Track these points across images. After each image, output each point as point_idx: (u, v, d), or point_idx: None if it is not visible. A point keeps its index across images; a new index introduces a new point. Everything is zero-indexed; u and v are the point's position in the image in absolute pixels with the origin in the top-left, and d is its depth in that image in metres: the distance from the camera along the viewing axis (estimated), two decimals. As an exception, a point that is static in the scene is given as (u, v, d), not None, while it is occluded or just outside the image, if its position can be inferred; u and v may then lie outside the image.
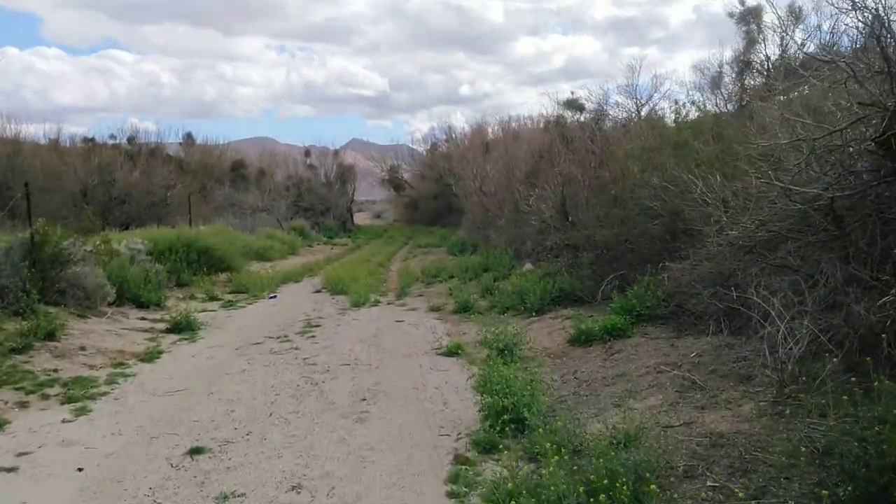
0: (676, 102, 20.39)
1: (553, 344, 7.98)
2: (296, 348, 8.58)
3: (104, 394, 6.54)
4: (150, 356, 8.18)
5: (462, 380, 6.81)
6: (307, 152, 49.27)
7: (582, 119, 19.58)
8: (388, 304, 12.66)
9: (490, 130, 36.69)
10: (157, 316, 10.71)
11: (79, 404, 6.17)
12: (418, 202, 48.87)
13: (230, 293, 14.67)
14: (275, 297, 14.06)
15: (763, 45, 17.21)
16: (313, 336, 9.36)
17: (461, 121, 50.22)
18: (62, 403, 6.19)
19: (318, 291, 14.65)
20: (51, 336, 8.12)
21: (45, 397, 6.31)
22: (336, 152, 49.51)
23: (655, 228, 9.14)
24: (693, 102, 15.40)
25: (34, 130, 33.00)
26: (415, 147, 52.44)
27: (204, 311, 12.24)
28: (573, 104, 19.26)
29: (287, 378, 7.10)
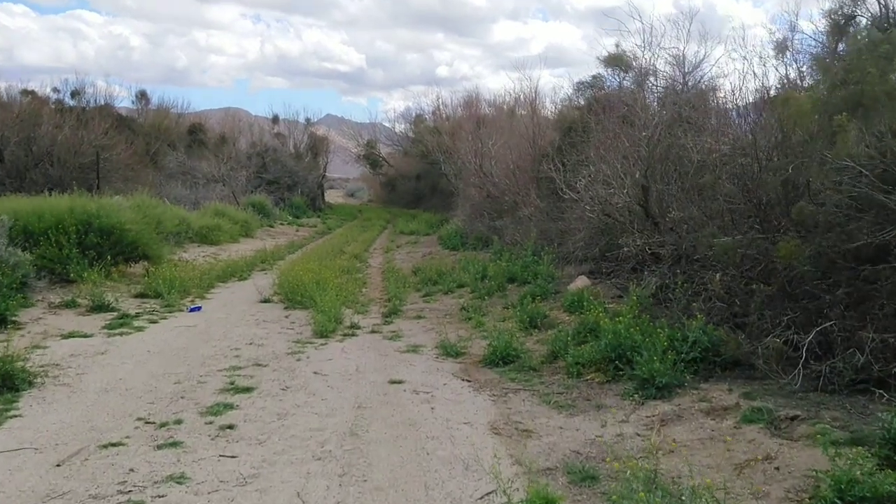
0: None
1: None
2: (175, 481, 3.95)
3: None
4: None
5: None
6: (275, 118, 43.97)
7: (626, 82, 15.20)
8: (372, 331, 8.09)
9: (485, 104, 31.90)
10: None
11: None
12: (397, 181, 44.15)
13: (135, 297, 9.95)
14: (198, 308, 9.37)
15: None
16: (229, 428, 4.73)
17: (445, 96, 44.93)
18: None
19: (266, 301, 9.99)
20: None
21: None
22: (308, 120, 44.34)
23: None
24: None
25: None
26: (390, 126, 47.38)
27: (73, 335, 7.55)
28: (617, 60, 14.93)
29: None
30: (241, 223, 19.78)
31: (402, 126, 45.31)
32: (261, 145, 38.07)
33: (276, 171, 35.42)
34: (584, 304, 7.60)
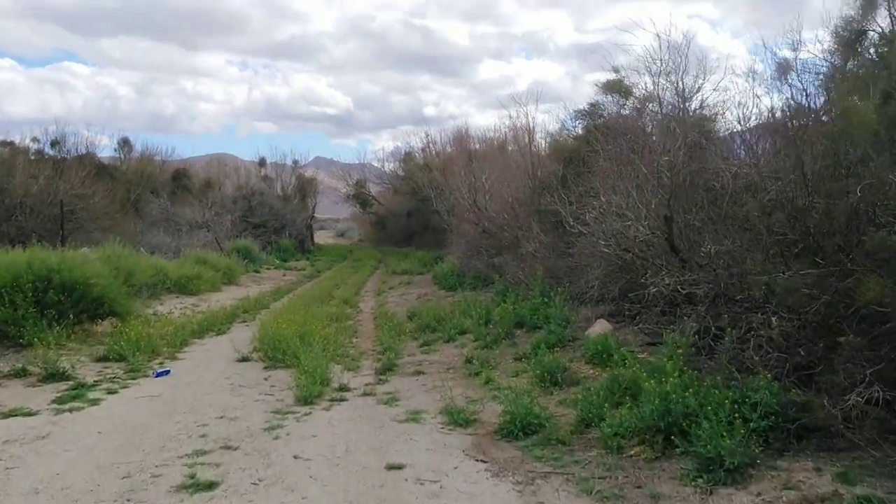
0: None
1: None
2: None
3: None
4: None
5: None
6: (262, 161, 43.17)
7: (625, 110, 14.46)
8: (364, 394, 6.98)
9: (474, 140, 31.18)
10: None
11: None
12: (387, 220, 43.29)
13: (97, 361, 8.81)
14: (166, 372, 8.23)
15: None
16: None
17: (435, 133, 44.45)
18: None
19: (244, 359, 8.86)
20: None
21: None
22: (296, 162, 43.59)
23: None
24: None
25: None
26: (379, 166, 46.74)
27: (14, 413, 6.42)
28: (616, 87, 14.21)
29: None
30: (223, 270, 18.68)
31: (392, 165, 44.68)
32: (247, 188, 37.18)
33: (262, 215, 34.46)
34: (611, 354, 6.56)
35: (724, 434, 4.11)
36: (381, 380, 7.53)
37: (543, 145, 17.27)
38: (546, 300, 9.21)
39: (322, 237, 53.14)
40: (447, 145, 35.06)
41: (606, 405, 5.35)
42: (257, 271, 23.05)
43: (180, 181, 37.11)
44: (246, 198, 35.47)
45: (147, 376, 8.11)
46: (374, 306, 14.83)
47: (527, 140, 15.99)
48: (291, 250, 32.24)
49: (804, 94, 9.86)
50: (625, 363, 6.36)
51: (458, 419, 5.78)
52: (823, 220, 5.22)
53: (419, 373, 7.80)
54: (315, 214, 45.26)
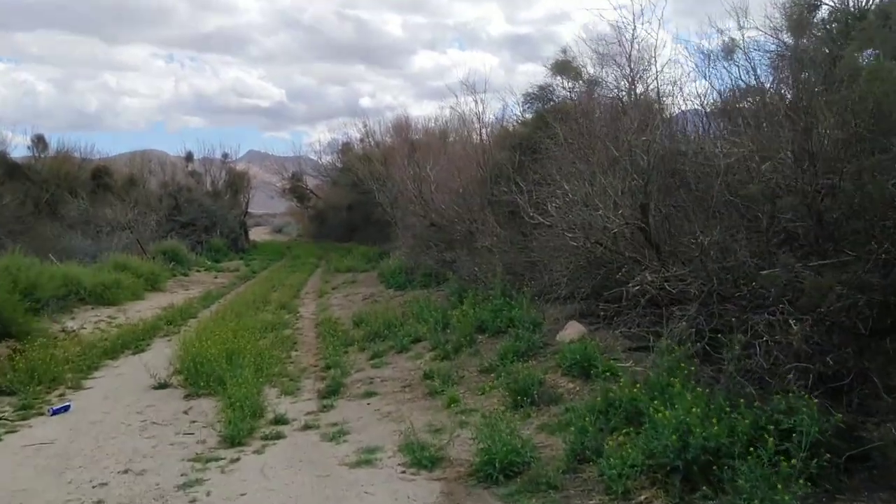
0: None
1: None
2: None
3: None
4: None
5: None
6: (189, 156, 40.61)
7: (574, 92, 13.67)
8: (305, 427, 5.85)
9: (415, 130, 29.96)
10: None
11: None
12: (327, 214, 41.60)
13: (-21, 397, 7.32)
14: (66, 408, 6.84)
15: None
16: None
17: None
18: None
19: (162, 386, 7.53)
20: None
21: None
22: (226, 156, 41.22)
23: None
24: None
25: None
26: (316, 158, 44.80)
27: None
28: (565, 67, 13.36)
29: None
30: (145, 276, 16.95)
31: (330, 157, 42.86)
32: (173, 185, 34.80)
33: (191, 213, 32.28)
34: (593, 364, 5.68)
35: (771, 478, 3.23)
36: (325, 406, 6.41)
37: (488, 134, 16.36)
38: (508, 300, 8.27)
39: (258, 233, 50.84)
40: (387, 135, 33.78)
41: (599, 432, 4.44)
42: (185, 274, 21.28)
43: (101, 179, 34.39)
44: (172, 195, 33.18)
45: (42, 414, 6.72)
46: (316, 310, 13.60)
47: (477, 126, 15.03)
48: (224, 250, 30.35)
49: (753, 72, 9.32)
50: (610, 375, 5.48)
51: (421, 458, 4.74)
52: (843, 204, 4.44)
53: (370, 394, 6.72)
54: (249, 210, 43.13)
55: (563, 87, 13.35)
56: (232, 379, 6.86)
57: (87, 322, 12.32)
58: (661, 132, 6.63)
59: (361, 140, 37.65)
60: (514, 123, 14.30)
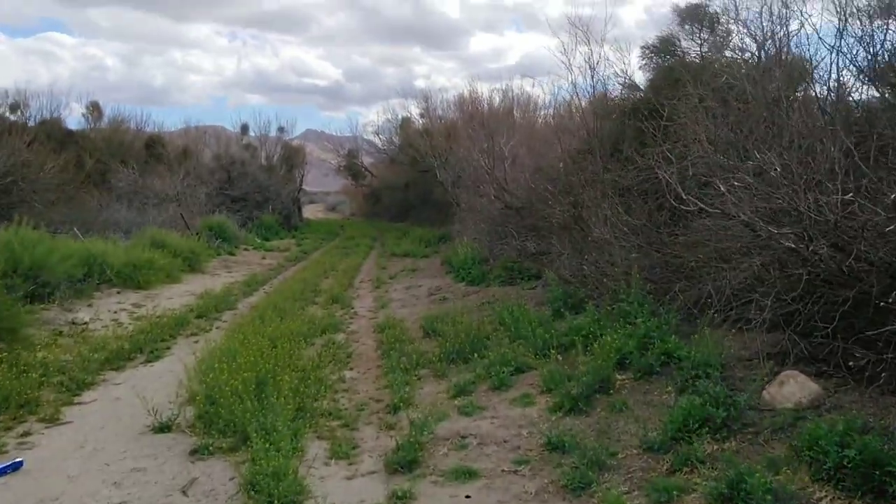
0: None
1: None
2: None
3: None
4: None
5: None
6: (244, 128, 39.04)
7: (705, 48, 10.75)
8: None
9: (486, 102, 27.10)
10: None
11: None
12: (382, 193, 39.50)
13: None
14: (15, 465, 4.65)
15: None
16: None
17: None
18: None
19: (164, 428, 5.26)
20: None
21: None
22: (282, 129, 39.47)
23: None
24: None
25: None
26: (373, 137, 42.52)
27: None
28: (698, 14, 10.41)
29: None
30: (184, 255, 15.01)
31: (387, 134, 40.52)
32: (226, 157, 33.19)
33: (243, 187, 30.57)
34: (884, 475, 3.07)
35: None
36: (398, 495, 3.98)
37: (589, 100, 13.54)
38: (660, 322, 5.66)
39: (312, 211, 49.33)
40: (449, 111, 31.17)
41: None
42: (231, 254, 19.39)
43: (154, 150, 33.12)
44: (224, 167, 31.57)
45: (-11, 468, 4.57)
46: (374, 306, 11.29)
47: (575, 88, 12.25)
48: (275, 227, 28.55)
49: None
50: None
51: None
52: None
53: (468, 473, 4.25)
54: (304, 187, 41.45)
55: (697, 39, 10.42)
56: (260, 430, 4.55)
57: (106, 311, 10.34)
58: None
59: (421, 115, 35.15)
60: (625, 83, 11.40)
